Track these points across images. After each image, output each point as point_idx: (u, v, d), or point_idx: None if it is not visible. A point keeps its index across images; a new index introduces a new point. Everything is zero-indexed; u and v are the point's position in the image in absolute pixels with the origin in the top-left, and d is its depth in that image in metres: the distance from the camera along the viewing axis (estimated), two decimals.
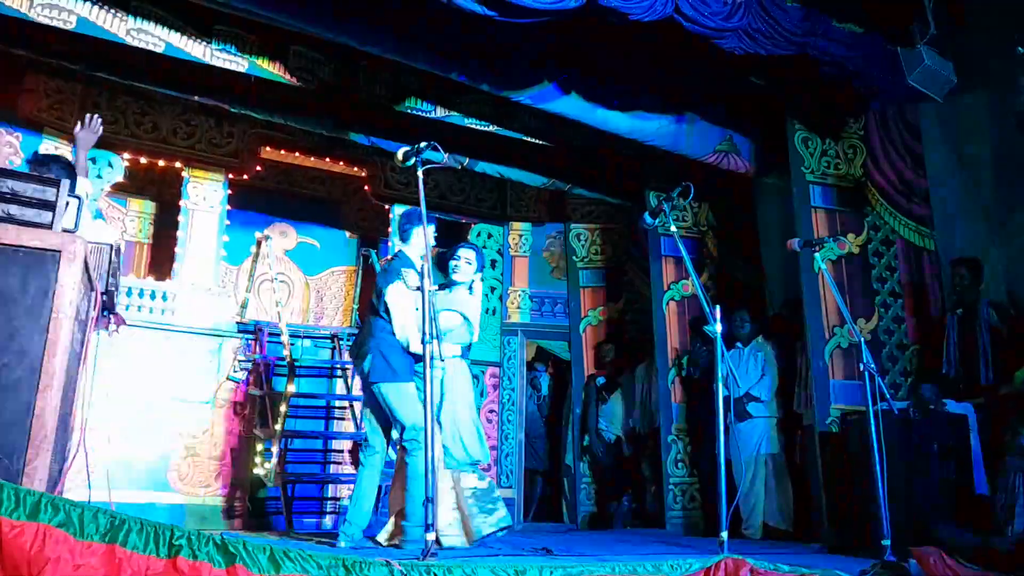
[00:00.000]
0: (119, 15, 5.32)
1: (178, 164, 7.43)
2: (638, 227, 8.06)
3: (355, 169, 8.28)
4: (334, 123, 6.77)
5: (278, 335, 7.15)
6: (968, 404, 5.19)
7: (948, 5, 6.01)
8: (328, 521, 7.22)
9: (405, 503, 4.35)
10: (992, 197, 6.13)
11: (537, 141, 6.87)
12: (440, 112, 6.41)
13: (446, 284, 4.81)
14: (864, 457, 4.32)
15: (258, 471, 6.69)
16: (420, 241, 4.50)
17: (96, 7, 5.24)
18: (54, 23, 5.11)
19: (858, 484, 4.69)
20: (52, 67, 6.30)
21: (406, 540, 4.25)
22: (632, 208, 7.98)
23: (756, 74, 6.11)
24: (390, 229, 8.01)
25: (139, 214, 8.33)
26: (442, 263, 4.95)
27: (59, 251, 2.80)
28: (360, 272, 8.87)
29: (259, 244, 8.25)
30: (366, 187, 8.24)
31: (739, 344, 6.50)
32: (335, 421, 7.56)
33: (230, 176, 7.60)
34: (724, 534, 3.87)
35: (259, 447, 6.83)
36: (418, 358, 3.93)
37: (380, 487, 4.74)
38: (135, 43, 5.38)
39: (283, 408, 6.63)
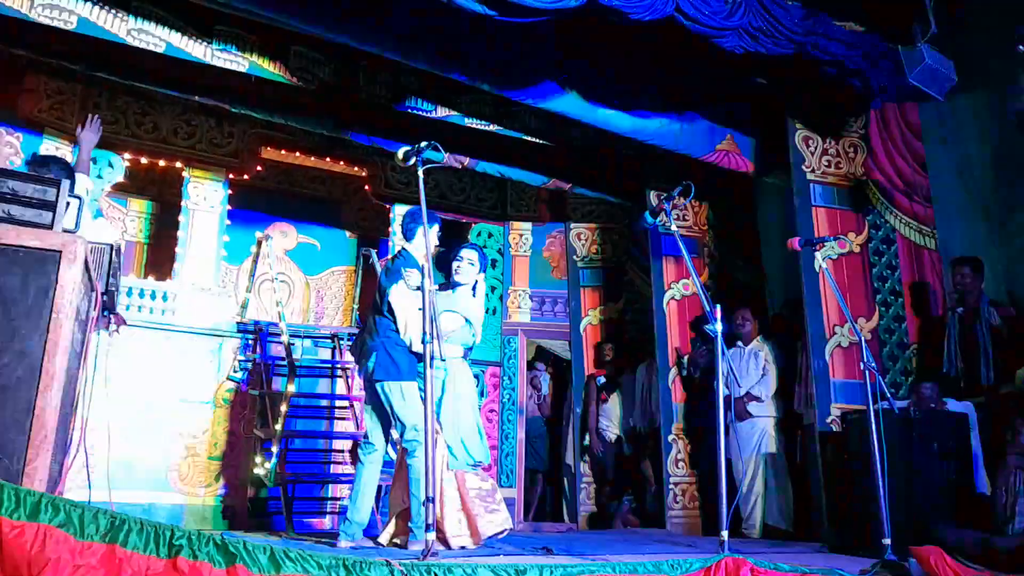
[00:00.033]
0: (120, 15, 5.32)
1: (178, 164, 7.44)
2: (638, 227, 8.08)
3: (355, 169, 8.29)
4: (334, 123, 6.76)
5: (278, 335, 7.15)
6: (969, 403, 5.18)
7: (948, 4, 6.00)
8: (328, 521, 7.22)
9: (410, 504, 4.33)
10: (993, 196, 6.12)
11: (537, 140, 6.86)
12: (440, 112, 6.41)
13: (448, 284, 4.80)
14: (864, 456, 4.31)
15: (258, 471, 6.69)
16: (421, 241, 4.50)
17: (97, 7, 5.24)
18: (54, 23, 5.11)
19: (858, 483, 4.68)
20: (52, 67, 6.30)
21: (413, 541, 4.24)
22: (633, 207, 7.98)
23: (757, 73, 6.10)
24: (390, 229, 8.00)
25: (139, 214, 8.34)
26: (444, 263, 4.94)
27: (59, 251, 2.80)
28: (360, 272, 8.88)
29: (259, 244, 8.26)
30: (366, 187, 8.24)
31: (739, 343, 6.49)
32: (335, 421, 7.55)
33: (230, 176, 7.61)
34: (724, 533, 3.86)
35: (259, 447, 6.84)
36: (421, 357, 3.93)
37: (380, 486, 4.73)
38: (136, 43, 5.38)
39: (283, 408, 6.63)
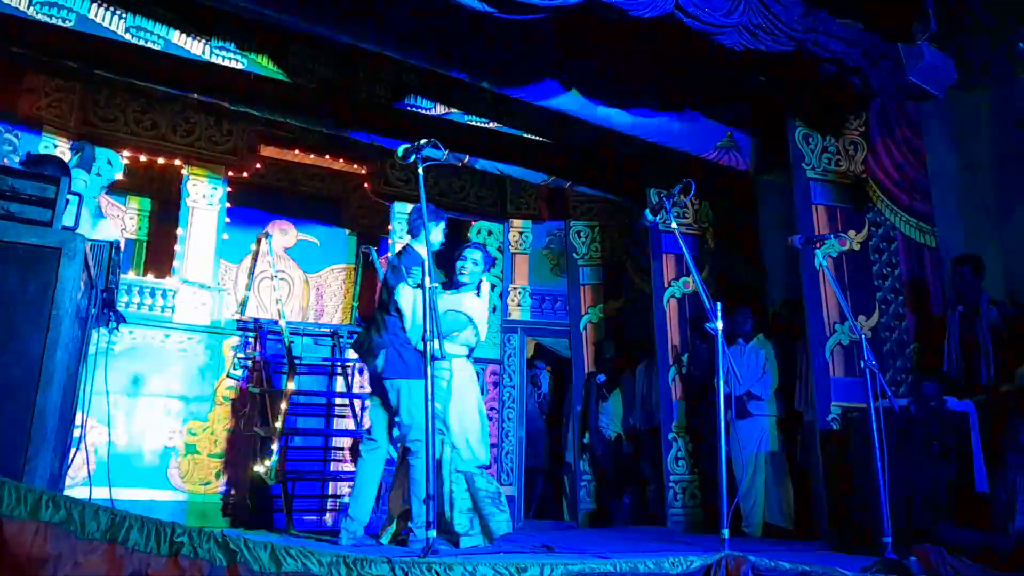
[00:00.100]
0: (118, 13, 5.31)
1: (178, 162, 7.43)
2: (637, 226, 8.08)
3: (355, 167, 8.28)
4: (334, 121, 6.76)
5: (278, 333, 7.15)
6: (969, 402, 5.18)
7: (948, 2, 5.99)
8: (329, 519, 7.22)
9: (412, 504, 4.32)
10: (993, 194, 6.12)
11: (537, 138, 6.86)
12: (440, 109, 6.40)
13: (452, 284, 4.80)
14: (865, 455, 4.31)
15: (258, 468, 6.68)
16: (430, 238, 4.49)
17: (95, 5, 5.23)
18: (53, 21, 5.10)
19: (859, 482, 4.69)
20: (51, 65, 6.29)
21: (414, 539, 4.24)
22: (633, 205, 7.97)
23: (757, 71, 6.10)
24: (390, 227, 8.00)
25: (138, 212, 8.34)
26: (448, 261, 4.93)
27: (59, 249, 2.79)
28: (360, 269, 8.88)
29: (259, 242, 8.25)
30: (366, 185, 8.23)
31: (740, 341, 6.49)
32: (335, 419, 7.55)
33: (230, 174, 7.60)
34: (725, 531, 3.86)
35: (259, 444, 6.83)
36: (433, 357, 3.92)
37: (380, 484, 4.72)
38: (134, 41, 5.36)
39: (283, 405, 6.62)
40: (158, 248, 8.01)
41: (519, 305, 8.44)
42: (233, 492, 6.90)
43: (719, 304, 4.23)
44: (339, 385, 7.64)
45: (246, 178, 7.82)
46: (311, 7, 5.19)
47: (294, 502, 6.59)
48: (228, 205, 7.58)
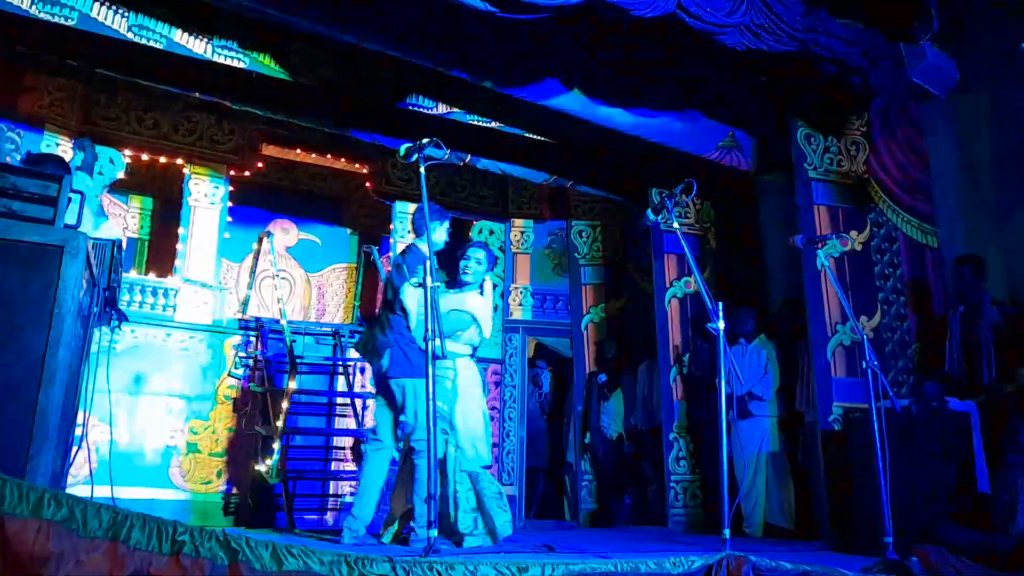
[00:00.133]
0: (120, 12, 5.32)
1: (179, 161, 7.44)
2: (639, 225, 8.07)
3: (356, 166, 8.28)
4: (335, 120, 6.76)
5: (279, 332, 7.15)
6: (970, 402, 5.18)
7: (950, 2, 5.99)
8: (330, 518, 7.22)
9: (414, 504, 4.32)
10: (994, 195, 6.12)
11: (539, 138, 6.86)
12: (442, 109, 6.40)
13: (456, 283, 4.79)
14: (866, 455, 4.31)
15: (260, 467, 6.69)
16: (434, 237, 4.49)
17: (97, 4, 5.23)
18: (55, 20, 5.10)
19: (860, 482, 4.68)
20: (53, 64, 6.29)
21: (415, 539, 4.23)
22: (634, 205, 7.97)
23: (759, 71, 6.09)
24: (391, 226, 8.01)
25: (140, 211, 8.34)
26: (451, 260, 4.92)
27: (61, 247, 2.79)
28: (361, 269, 8.88)
29: (260, 241, 8.25)
30: (367, 184, 8.24)
31: (742, 341, 6.49)
32: (336, 418, 7.56)
33: (231, 173, 7.61)
34: (727, 531, 3.86)
35: (261, 443, 6.84)
36: (436, 356, 3.91)
37: (385, 484, 4.72)
38: (136, 40, 5.37)
39: (284, 405, 6.63)
40: (160, 247, 8.02)
41: (520, 305, 8.44)
42: (234, 491, 6.91)
43: (720, 304, 4.23)
44: (340, 384, 7.64)
45: (248, 177, 7.82)
46: (313, 6, 5.19)
47: (295, 501, 6.60)
48: (230, 204, 7.58)
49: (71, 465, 3.53)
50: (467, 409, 4.56)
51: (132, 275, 7.21)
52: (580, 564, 3.14)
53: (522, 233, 8.64)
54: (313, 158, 8.27)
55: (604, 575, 3.15)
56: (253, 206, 8.41)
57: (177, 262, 7.22)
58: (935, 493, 4.60)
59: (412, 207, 7.84)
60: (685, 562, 3.31)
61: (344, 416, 7.54)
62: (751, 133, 6.75)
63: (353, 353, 7.61)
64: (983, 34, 6.14)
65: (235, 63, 5.67)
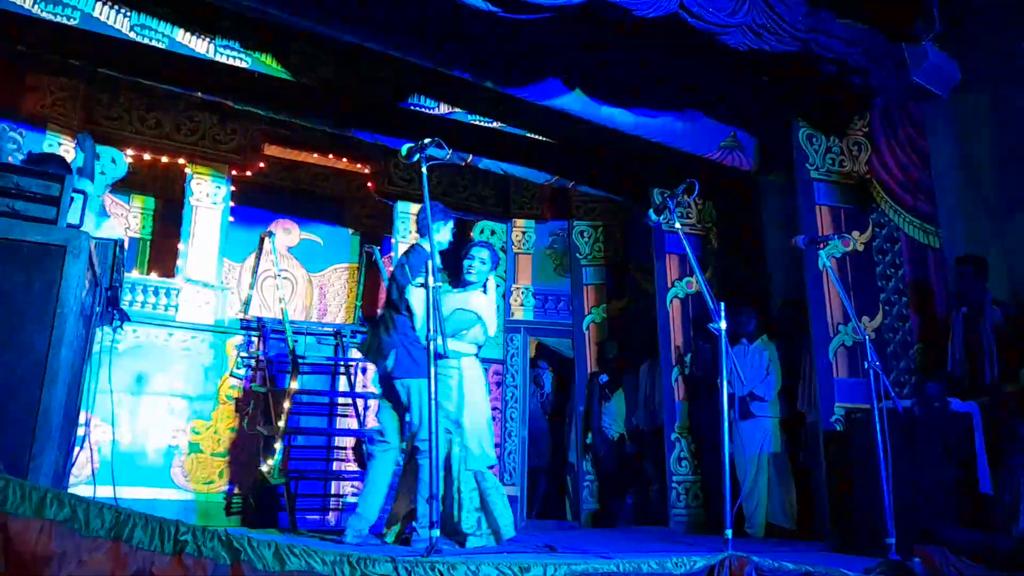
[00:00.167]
0: (123, 11, 5.32)
1: (181, 161, 7.44)
2: (640, 226, 8.07)
3: (358, 166, 8.29)
4: (337, 120, 6.76)
5: (281, 332, 7.15)
6: (973, 403, 5.17)
7: (952, 2, 5.98)
8: (332, 518, 7.23)
9: (418, 505, 4.32)
10: (996, 195, 6.11)
11: (541, 138, 6.86)
12: (443, 109, 6.40)
13: (460, 283, 4.79)
14: (868, 456, 4.30)
15: (262, 468, 6.69)
16: (435, 237, 4.49)
17: (100, 3, 5.23)
18: (58, 19, 5.10)
19: (862, 483, 4.68)
20: (55, 64, 6.29)
21: (417, 539, 4.23)
22: (636, 205, 7.97)
23: (760, 71, 6.09)
24: (393, 226, 8.01)
25: (142, 210, 8.35)
26: (455, 260, 4.92)
27: (64, 246, 2.80)
28: (363, 269, 8.88)
29: (262, 241, 8.26)
30: (369, 184, 8.24)
31: (744, 341, 6.48)
32: (338, 418, 7.56)
33: (233, 173, 7.61)
34: (729, 532, 3.86)
35: (262, 443, 6.84)
36: (438, 355, 3.92)
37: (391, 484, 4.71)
38: (138, 39, 5.37)
39: (286, 405, 6.64)
40: (162, 247, 8.02)
41: (522, 305, 8.44)
42: (236, 491, 6.91)
43: (722, 304, 4.23)
44: (342, 384, 7.64)
45: (250, 177, 7.83)
46: (314, 6, 5.19)
47: (297, 501, 6.60)
48: (232, 204, 7.59)
49: (73, 465, 3.53)
50: (474, 408, 4.56)
51: (134, 275, 7.22)
52: (582, 564, 3.14)
53: (523, 233, 8.64)
54: (315, 158, 8.28)
55: (606, 575, 3.15)
56: (255, 206, 8.41)
57: (179, 262, 7.23)
58: (937, 494, 4.59)
59: (414, 207, 7.86)
60: (687, 562, 3.31)
61: (346, 416, 7.54)
62: (753, 133, 6.74)
63: (355, 353, 7.61)
64: (983, 34, 6.13)
65: (238, 63, 5.67)
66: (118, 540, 2.36)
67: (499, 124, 6.62)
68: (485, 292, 4.77)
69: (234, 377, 7.07)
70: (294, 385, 6.76)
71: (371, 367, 7.42)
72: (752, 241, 7.32)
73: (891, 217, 6.27)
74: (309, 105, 6.53)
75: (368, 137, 6.92)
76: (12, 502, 2.23)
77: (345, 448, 7.49)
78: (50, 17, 5.09)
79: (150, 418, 6.63)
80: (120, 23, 5.32)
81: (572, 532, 6.95)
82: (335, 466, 7.43)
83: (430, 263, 3.79)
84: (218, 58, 5.60)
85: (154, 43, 5.42)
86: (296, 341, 7.15)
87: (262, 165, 7.89)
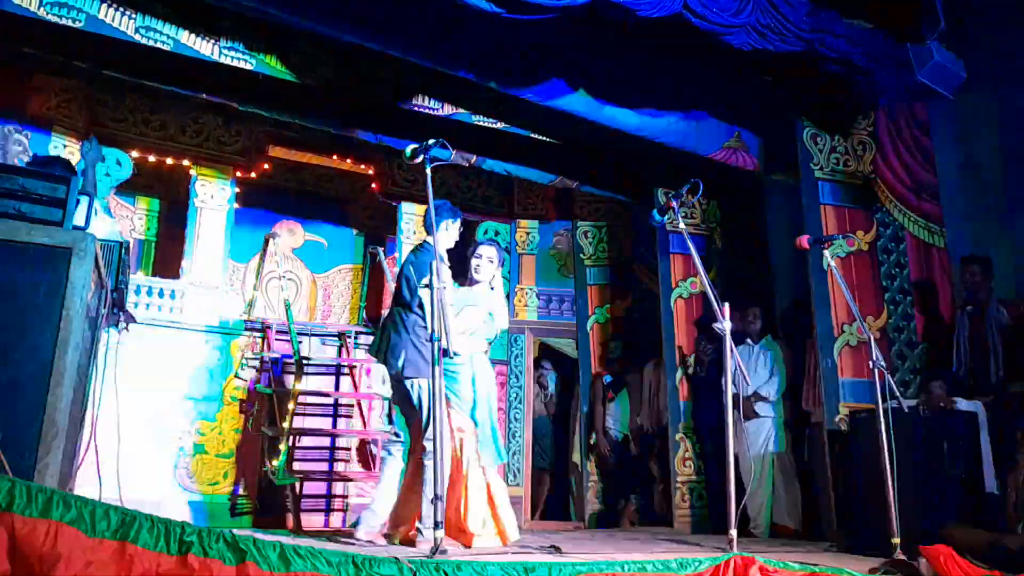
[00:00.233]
0: (127, 13, 5.33)
1: (186, 162, 7.45)
2: (644, 226, 8.06)
3: (362, 167, 8.29)
4: (341, 121, 6.77)
5: (285, 333, 7.16)
6: (978, 402, 5.16)
7: (954, 1, 5.97)
8: (336, 519, 7.23)
9: (422, 505, 4.31)
10: (1001, 194, 6.10)
11: (544, 138, 6.86)
12: (447, 109, 6.40)
13: (467, 281, 4.79)
14: (873, 455, 4.30)
15: (266, 468, 6.70)
16: (443, 235, 4.48)
17: (105, 5, 5.24)
18: (63, 22, 5.12)
19: (867, 482, 4.66)
20: (60, 66, 6.30)
21: (421, 539, 4.23)
22: (640, 206, 7.97)
23: (765, 71, 6.09)
24: (397, 227, 8.02)
25: (147, 212, 8.36)
26: (461, 258, 4.91)
27: (70, 248, 2.81)
28: (367, 270, 8.89)
29: (267, 242, 8.27)
30: (373, 185, 8.25)
31: (748, 341, 6.48)
32: (342, 419, 7.57)
33: (238, 174, 7.62)
34: (733, 532, 3.86)
35: (267, 444, 6.85)
36: (446, 354, 3.91)
37: None
38: (144, 41, 5.38)
39: (291, 406, 6.64)
40: (167, 248, 8.04)
41: (526, 305, 8.44)
42: (241, 492, 6.92)
43: (727, 304, 4.23)
44: (346, 385, 7.65)
45: (254, 178, 7.84)
46: (317, 7, 5.20)
47: (301, 502, 6.61)
48: (236, 205, 7.60)
49: (79, 466, 3.54)
50: (488, 405, 4.56)
51: (139, 276, 7.23)
52: (587, 565, 3.14)
53: (527, 234, 8.64)
54: (319, 159, 8.28)
55: None
56: (259, 207, 8.42)
57: (184, 263, 7.24)
58: (942, 493, 4.58)
59: (419, 208, 7.86)
60: (692, 563, 3.31)
61: (350, 417, 7.56)
62: (757, 133, 6.74)
63: (360, 354, 7.62)
64: (986, 33, 6.11)
65: (242, 64, 5.68)
66: (124, 541, 2.36)
67: (502, 124, 6.62)
68: (491, 288, 4.77)
69: (239, 378, 7.08)
70: (298, 386, 6.77)
71: (375, 368, 7.44)
72: (757, 241, 7.31)
73: (896, 217, 6.26)
74: (313, 106, 6.54)
75: (372, 138, 6.93)
76: (18, 503, 2.24)
77: (349, 449, 7.50)
78: (55, 19, 5.10)
79: (155, 419, 6.63)
80: (125, 25, 5.33)
81: (576, 533, 6.95)
82: (339, 467, 7.44)
83: (434, 263, 3.78)
84: (222, 60, 5.61)
85: (159, 45, 5.43)
86: (301, 342, 7.16)
87: (266, 166, 7.90)
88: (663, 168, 7.25)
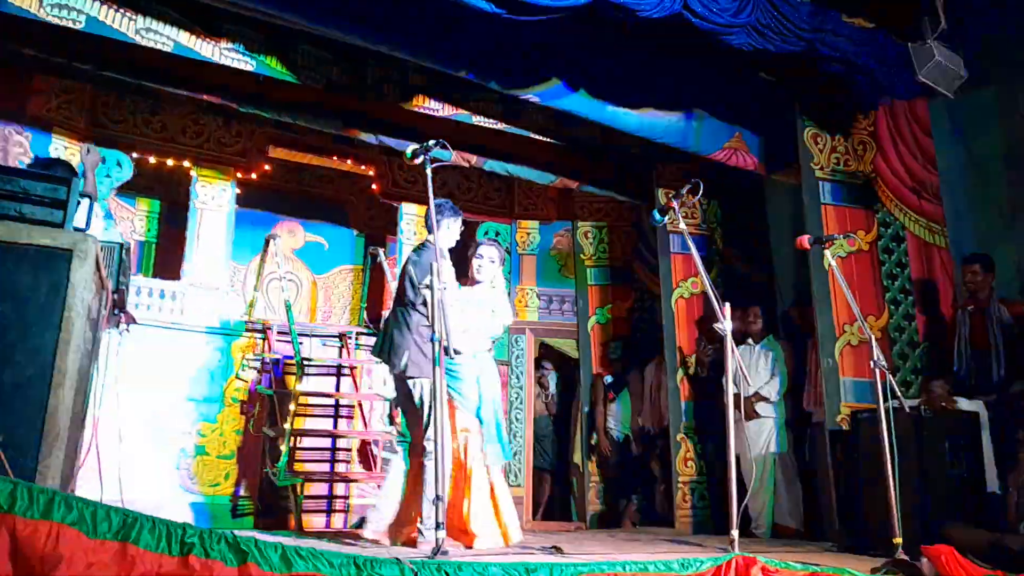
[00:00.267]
0: (128, 15, 5.33)
1: (186, 163, 7.46)
2: (645, 226, 8.07)
3: (363, 168, 8.29)
4: (342, 122, 6.77)
5: (286, 333, 7.17)
6: (980, 402, 5.15)
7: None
8: (337, 520, 7.23)
9: (423, 506, 4.30)
10: (1002, 193, 6.09)
11: (545, 139, 6.86)
12: (448, 110, 6.40)
13: (468, 281, 4.79)
14: (875, 455, 4.29)
15: (267, 469, 6.70)
16: (444, 234, 4.48)
17: (105, 7, 5.24)
18: (63, 23, 5.12)
19: (869, 482, 4.66)
20: (61, 67, 6.30)
21: (422, 540, 4.23)
22: (641, 206, 7.97)
23: (765, 71, 6.09)
24: (398, 228, 8.03)
25: (147, 213, 8.37)
26: (461, 258, 4.91)
27: (71, 250, 2.81)
28: (368, 271, 8.89)
29: (267, 243, 8.27)
30: (374, 186, 8.25)
31: (750, 341, 6.47)
32: (343, 420, 7.57)
33: (238, 175, 7.63)
34: (735, 532, 3.86)
35: (268, 446, 6.85)
36: (446, 353, 3.89)
37: None
38: (144, 43, 5.38)
39: (292, 407, 6.64)
40: (167, 250, 8.04)
41: (527, 306, 8.44)
42: (243, 493, 6.92)
43: (727, 304, 4.22)
44: (347, 386, 7.65)
45: (254, 180, 7.84)
46: (319, 8, 5.20)
47: (302, 503, 6.61)
48: (237, 207, 7.60)
49: (80, 467, 3.54)
50: (494, 403, 4.56)
51: (139, 278, 7.23)
52: (588, 565, 3.14)
53: (528, 234, 8.64)
54: (320, 160, 8.28)
55: None
56: (260, 208, 8.43)
57: (184, 264, 7.24)
58: (944, 493, 4.58)
59: (419, 209, 7.86)
60: (694, 563, 3.31)
61: (350, 418, 7.56)
62: (757, 133, 6.73)
63: (360, 355, 7.62)
64: (987, 32, 6.11)
65: (242, 65, 5.68)
66: (125, 542, 2.37)
67: (503, 125, 6.62)
68: (493, 286, 4.78)
69: (240, 379, 7.09)
70: (299, 387, 6.77)
71: (376, 369, 7.44)
72: (757, 241, 7.31)
73: (897, 216, 6.26)
74: (313, 107, 6.55)
75: (372, 139, 6.93)
76: (20, 505, 2.24)
77: (350, 450, 7.50)
78: (56, 20, 5.10)
79: (156, 420, 6.63)
80: (126, 26, 5.33)
81: (578, 533, 6.95)
82: (340, 468, 7.44)
83: (435, 264, 3.78)
84: (223, 61, 5.62)
85: (159, 46, 5.43)
86: (301, 343, 7.16)
87: (267, 167, 7.91)
88: (664, 168, 7.25)
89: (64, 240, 2.82)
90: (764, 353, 6.43)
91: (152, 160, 7.36)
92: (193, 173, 7.45)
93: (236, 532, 2.57)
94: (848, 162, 6.31)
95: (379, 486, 6.84)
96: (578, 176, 7.70)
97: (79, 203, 2.97)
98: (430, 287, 3.77)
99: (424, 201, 4.02)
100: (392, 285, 7.29)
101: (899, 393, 4.38)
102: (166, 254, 8.05)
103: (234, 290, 7.69)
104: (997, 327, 5.42)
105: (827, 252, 4.97)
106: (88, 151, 4.31)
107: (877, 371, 4.29)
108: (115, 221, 7.63)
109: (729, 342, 4.21)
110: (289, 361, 7.02)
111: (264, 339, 7.26)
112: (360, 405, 7.48)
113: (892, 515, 4.08)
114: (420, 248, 4.58)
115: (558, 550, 4.16)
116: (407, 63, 5.88)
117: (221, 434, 6.94)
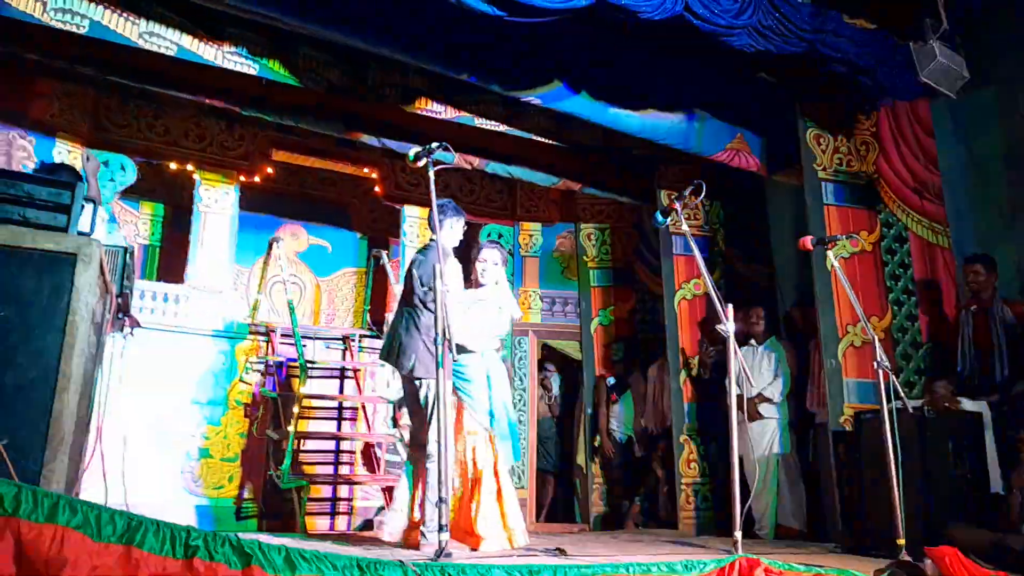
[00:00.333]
0: (131, 19, 5.35)
1: (189, 167, 7.47)
2: (647, 227, 8.08)
3: (366, 171, 8.31)
4: (344, 125, 6.78)
5: (290, 336, 7.18)
6: (983, 402, 5.15)
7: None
8: (341, 522, 7.24)
9: (425, 508, 4.30)
10: (1005, 192, 6.09)
11: (547, 141, 6.87)
12: (450, 113, 6.41)
13: (472, 284, 4.79)
14: (878, 456, 4.29)
15: (271, 472, 6.71)
16: (447, 234, 4.48)
17: (108, 11, 5.26)
18: (67, 27, 5.13)
19: (872, 483, 4.66)
20: (64, 71, 6.33)
21: (425, 543, 4.22)
22: (643, 207, 7.97)
23: (767, 72, 6.09)
24: (400, 230, 8.03)
25: (151, 217, 8.39)
26: (464, 260, 4.91)
27: (75, 254, 2.82)
28: (371, 273, 8.91)
29: (270, 246, 8.29)
30: (377, 188, 8.26)
31: (753, 342, 6.47)
32: (346, 422, 7.58)
33: (241, 179, 7.64)
34: (738, 534, 3.86)
35: (272, 448, 6.86)
36: (460, 350, 3.87)
37: None
38: (147, 47, 5.39)
39: (295, 409, 6.66)
40: (171, 253, 8.07)
41: (530, 308, 8.44)
42: (247, 496, 6.93)
43: (730, 306, 4.23)
44: (351, 389, 7.66)
45: (257, 183, 7.86)
46: (320, 11, 5.21)
47: (306, 505, 6.61)
48: (240, 210, 7.62)
49: (85, 471, 3.55)
50: (504, 403, 4.56)
51: (143, 281, 7.25)
52: (592, 567, 3.14)
53: (531, 236, 8.65)
54: (322, 163, 8.30)
55: None
56: (263, 211, 8.45)
57: (188, 268, 7.26)
58: (948, 493, 4.57)
59: (422, 211, 7.87)
60: (697, 564, 3.31)
61: (354, 420, 7.56)
62: (760, 134, 6.74)
63: (364, 357, 7.63)
64: (989, 32, 6.11)
65: (245, 69, 5.69)
66: (130, 545, 2.37)
67: (506, 127, 6.62)
68: (496, 284, 4.78)
69: (243, 382, 7.10)
70: (303, 390, 6.78)
71: (380, 372, 7.45)
72: (759, 242, 7.31)
73: (899, 217, 6.25)
74: (316, 110, 6.56)
75: (375, 142, 6.94)
76: (24, 508, 2.25)
77: (353, 452, 7.51)
78: (59, 25, 5.12)
79: (160, 424, 6.65)
80: (129, 31, 5.34)
81: (581, 535, 6.94)
82: (344, 470, 7.45)
83: (437, 267, 3.78)
84: (226, 64, 5.63)
85: (162, 50, 5.44)
86: (305, 346, 7.17)
87: (270, 171, 7.93)
88: (666, 170, 7.25)
89: (68, 244, 2.83)
90: (767, 354, 6.42)
91: (155, 163, 7.38)
92: (196, 176, 7.47)
93: (240, 535, 2.58)
94: (850, 163, 6.31)
95: (384, 489, 6.86)
96: (580, 178, 7.70)
97: (83, 207, 2.98)
98: (433, 288, 3.78)
99: (427, 203, 4.01)
100: (395, 287, 7.31)
101: (902, 394, 4.38)
102: (170, 257, 8.07)
103: (238, 293, 7.71)
104: (1000, 327, 5.42)
105: (830, 253, 4.98)
106: (88, 158, 4.34)
107: (880, 372, 4.29)
108: (119, 225, 7.65)
109: (732, 343, 4.21)
110: (293, 364, 7.03)
111: (268, 342, 7.27)
112: (364, 407, 7.49)
113: (895, 516, 4.08)
114: (425, 248, 4.58)
115: (562, 552, 4.16)
116: (408, 66, 5.88)
117: (225, 437, 6.95)
